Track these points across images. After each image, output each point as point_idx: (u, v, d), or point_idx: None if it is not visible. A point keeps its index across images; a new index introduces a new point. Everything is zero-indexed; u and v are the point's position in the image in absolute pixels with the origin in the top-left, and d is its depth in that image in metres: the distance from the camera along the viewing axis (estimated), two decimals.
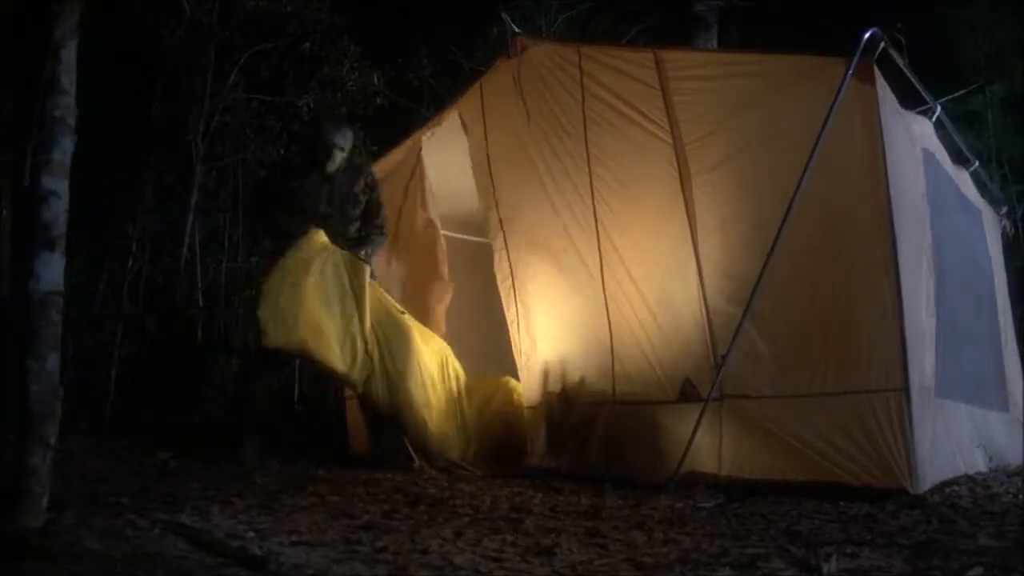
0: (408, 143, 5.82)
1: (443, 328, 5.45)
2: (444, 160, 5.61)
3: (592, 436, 4.50)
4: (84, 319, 7.54)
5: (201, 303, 8.16)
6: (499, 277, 5.14)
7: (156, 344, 7.45)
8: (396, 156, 5.89)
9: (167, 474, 4.17)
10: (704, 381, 4.10)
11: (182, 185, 8.12)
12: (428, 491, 3.92)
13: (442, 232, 5.64)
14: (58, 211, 2.49)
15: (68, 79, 2.54)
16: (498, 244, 5.16)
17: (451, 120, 5.53)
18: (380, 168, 6.00)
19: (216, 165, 8.40)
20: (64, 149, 2.52)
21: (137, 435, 5.62)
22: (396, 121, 9.22)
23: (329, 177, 5.04)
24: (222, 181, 8.84)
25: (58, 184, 2.50)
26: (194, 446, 4.98)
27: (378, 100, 9.22)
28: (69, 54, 2.54)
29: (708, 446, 4.04)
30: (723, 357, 3.97)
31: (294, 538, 2.60)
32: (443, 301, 5.51)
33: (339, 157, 5.02)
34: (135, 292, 7.83)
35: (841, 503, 3.44)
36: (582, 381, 4.64)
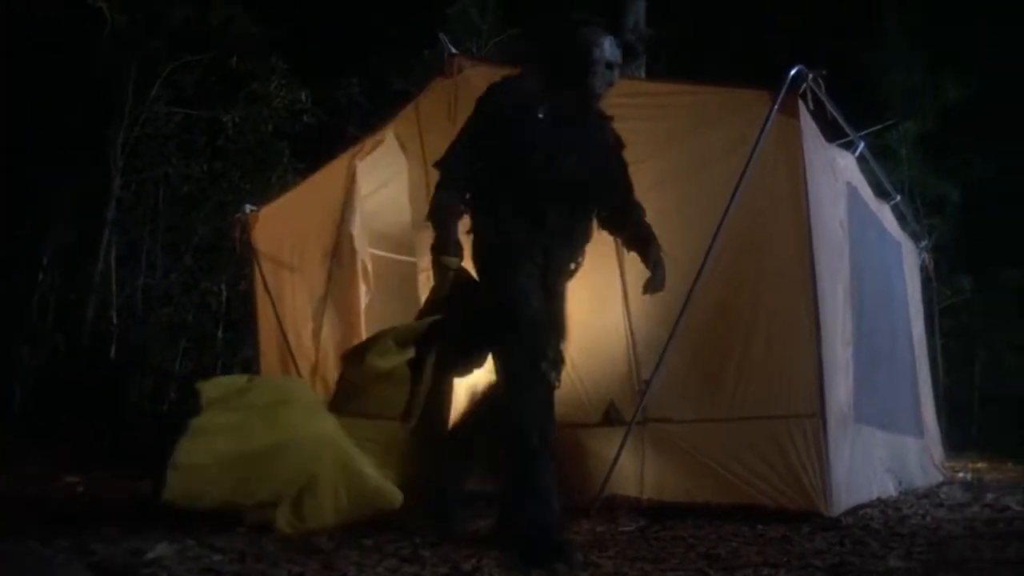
0: (339, 162, 5.74)
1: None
2: (378, 179, 5.56)
3: None
4: None
5: (115, 319, 7.90)
6: (424, 297, 5.08)
7: (66, 363, 7.18)
8: (327, 174, 5.80)
9: (75, 499, 4.01)
10: (627, 404, 4.12)
11: (98, 198, 7.88)
12: None
13: (371, 250, 5.56)
14: None
15: None
16: (425, 264, 5.09)
17: (387, 140, 5.47)
18: (309, 187, 5.93)
19: (135, 178, 8.18)
20: None
21: (43, 459, 5.38)
22: (324, 139, 9.14)
23: (567, 117, 3.22)
24: (141, 195, 8.61)
25: None
26: (104, 469, 4.79)
27: (305, 118, 9.14)
28: None
29: (630, 469, 4.06)
30: (647, 381, 4.00)
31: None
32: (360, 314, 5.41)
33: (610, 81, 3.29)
34: (44, 307, 7.54)
35: (759, 526, 3.48)
36: None
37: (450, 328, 3.33)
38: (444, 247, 3.15)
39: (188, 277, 9.55)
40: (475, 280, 3.29)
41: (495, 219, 3.17)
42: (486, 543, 3.00)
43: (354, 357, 3.52)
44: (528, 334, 3.02)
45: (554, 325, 3.22)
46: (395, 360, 3.34)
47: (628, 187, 3.51)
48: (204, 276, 9.60)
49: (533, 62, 3.37)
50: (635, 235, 3.50)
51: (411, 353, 3.34)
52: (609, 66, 3.23)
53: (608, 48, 3.23)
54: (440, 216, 3.19)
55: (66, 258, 7.90)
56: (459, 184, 3.24)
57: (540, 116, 3.12)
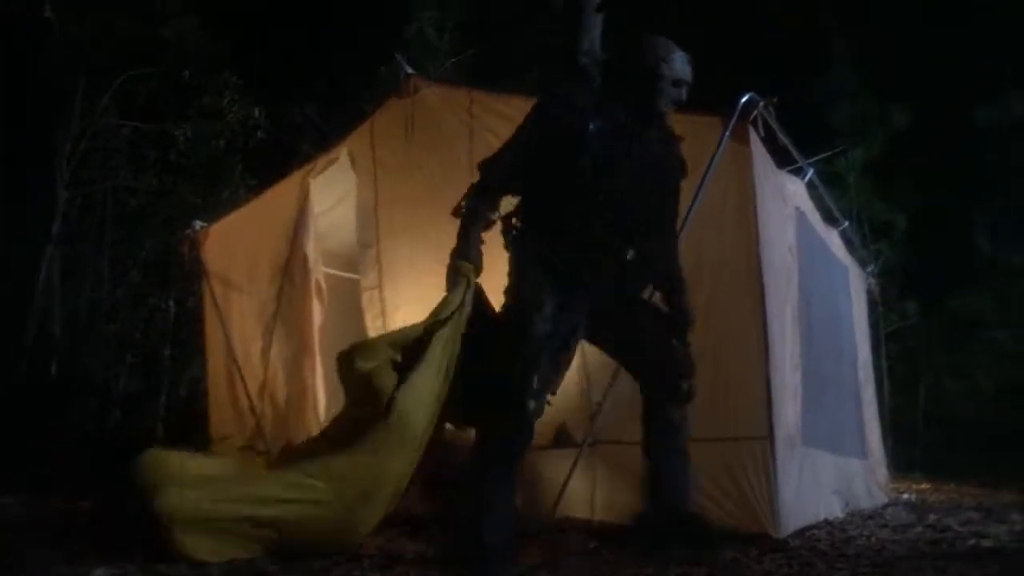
0: (292, 180, 5.69)
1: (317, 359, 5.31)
2: (332, 198, 5.53)
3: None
4: None
5: (58, 335, 7.70)
6: (368, 316, 5.06)
7: (4, 379, 6.97)
8: (279, 191, 5.74)
9: (11, 522, 3.88)
10: (578, 426, 4.12)
11: (43, 210, 7.70)
12: None
13: (324, 269, 5.52)
14: None
15: None
16: (369, 282, 5.08)
17: (341, 158, 5.44)
18: (261, 204, 5.86)
19: (82, 191, 8.01)
20: None
21: None
22: (277, 156, 9.07)
23: (622, 135, 2.98)
24: (88, 209, 8.44)
25: None
26: (43, 491, 4.66)
27: (259, 133, 9.05)
28: None
29: (582, 491, 4.06)
30: (599, 403, 4.01)
31: None
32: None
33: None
34: None
35: None
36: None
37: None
38: (460, 253, 3.01)
39: (135, 293, 9.39)
40: (482, 306, 3.14)
41: (527, 232, 3.02)
42: (438, 566, 2.97)
43: (344, 358, 3.38)
44: (521, 357, 2.87)
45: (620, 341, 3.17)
46: (380, 359, 3.21)
47: (673, 214, 3.23)
48: (152, 292, 9.44)
49: (593, 74, 3.26)
50: (663, 274, 3.23)
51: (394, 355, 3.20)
52: (677, 83, 3.02)
53: (678, 64, 3.02)
54: (465, 221, 3.04)
55: (7, 271, 7.69)
56: (495, 191, 3.09)
57: (590, 131, 2.90)
